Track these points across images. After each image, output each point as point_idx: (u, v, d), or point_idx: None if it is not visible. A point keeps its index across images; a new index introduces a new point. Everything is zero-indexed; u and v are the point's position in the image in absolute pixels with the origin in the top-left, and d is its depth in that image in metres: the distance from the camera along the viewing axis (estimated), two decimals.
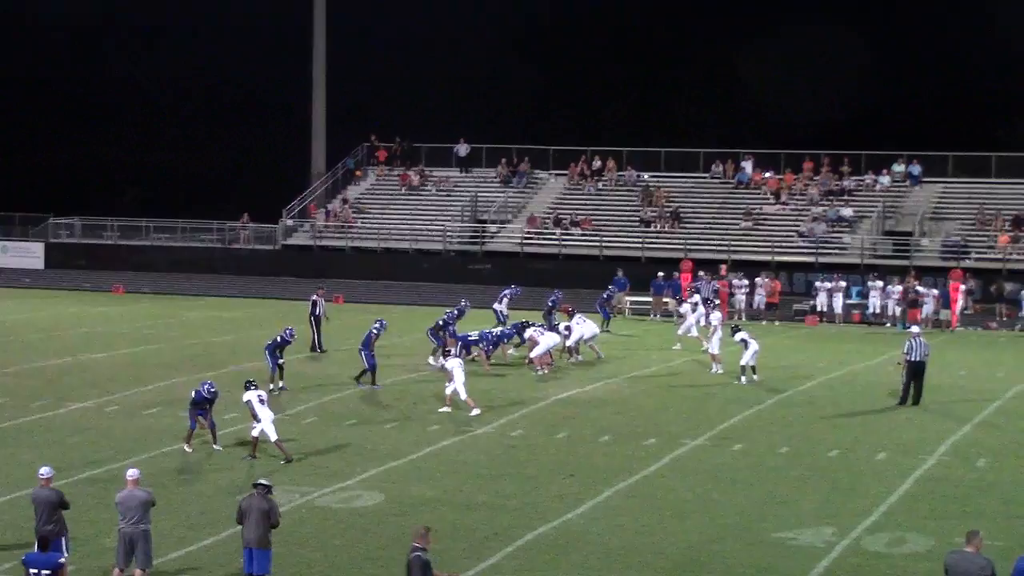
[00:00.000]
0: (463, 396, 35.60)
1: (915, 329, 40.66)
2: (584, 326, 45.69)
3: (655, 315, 59.52)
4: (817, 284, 60.79)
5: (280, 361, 38.66)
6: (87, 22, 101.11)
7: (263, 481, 21.16)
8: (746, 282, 60.33)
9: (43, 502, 21.03)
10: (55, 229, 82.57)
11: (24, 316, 56.56)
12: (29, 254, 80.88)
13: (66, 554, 20.74)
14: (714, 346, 43.75)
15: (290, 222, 79.48)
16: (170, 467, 29.02)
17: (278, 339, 38.90)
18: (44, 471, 21.47)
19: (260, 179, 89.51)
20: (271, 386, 37.59)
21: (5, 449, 30.68)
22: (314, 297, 47.72)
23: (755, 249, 69.51)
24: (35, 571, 18.38)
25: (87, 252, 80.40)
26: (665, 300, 59.56)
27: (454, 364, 36.23)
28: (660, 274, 60.58)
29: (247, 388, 30.55)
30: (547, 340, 43.48)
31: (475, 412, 35.12)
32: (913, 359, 38.11)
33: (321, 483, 27.78)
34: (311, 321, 47.04)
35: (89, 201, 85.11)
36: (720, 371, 43.22)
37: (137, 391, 37.98)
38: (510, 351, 45.91)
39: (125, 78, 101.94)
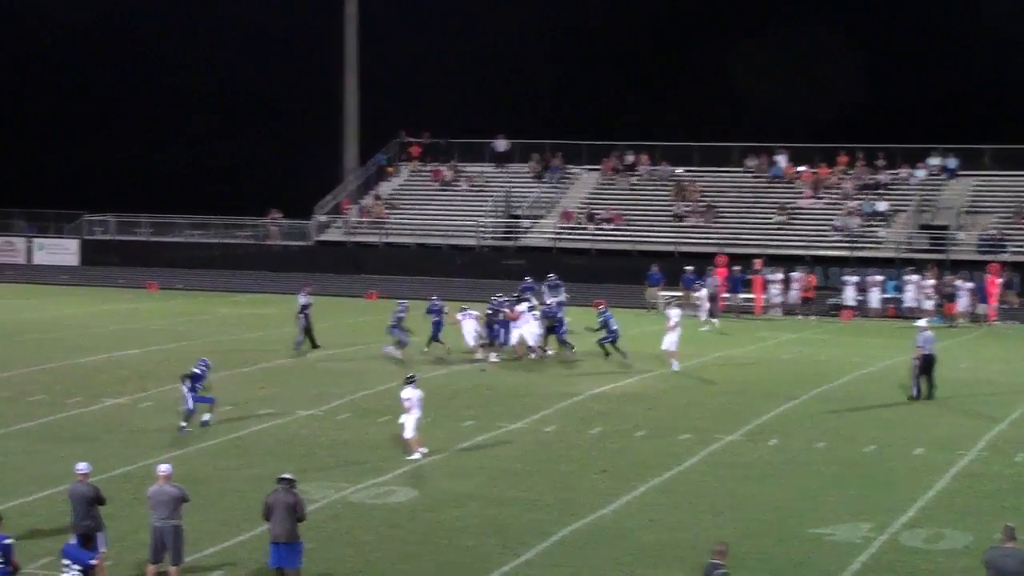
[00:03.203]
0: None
1: (922, 323, 40.42)
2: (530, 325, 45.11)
3: (687, 310, 59.23)
4: (844, 278, 60.56)
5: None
6: (121, 21, 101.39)
7: (287, 476, 21.14)
8: (780, 276, 60.12)
9: (80, 498, 21.07)
10: (89, 226, 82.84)
11: (59, 313, 56.76)
12: (64, 251, 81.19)
13: (103, 549, 20.81)
14: (668, 342, 42.93)
15: (323, 218, 79.54)
16: (204, 463, 29.05)
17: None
18: (80, 467, 21.51)
19: (293, 175, 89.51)
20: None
21: (41, 445, 30.78)
22: (302, 299, 46.64)
23: (789, 243, 69.24)
24: (67, 563, 18.42)
25: (121, 249, 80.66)
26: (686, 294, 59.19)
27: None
28: (689, 268, 60.35)
29: (408, 383, 30.19)
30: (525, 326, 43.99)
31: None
32: (924, 353, 38.01)
33: (354, 479, 27.76)
34: (299, 318, 46.51)
35: (123, 198, 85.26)
36: (677, 368, 42.67)
37: (171, 387, 37.92)
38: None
39: (158, 76, 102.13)
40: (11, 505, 24.70)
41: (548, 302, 51.97)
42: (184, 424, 32.65)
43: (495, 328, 44.62)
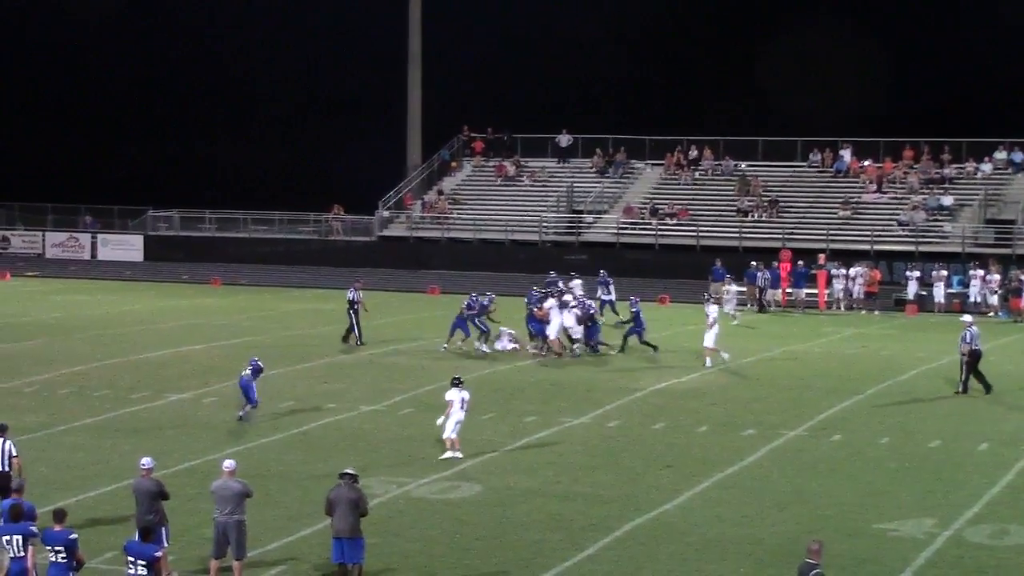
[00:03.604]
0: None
1: (967, 318, 40.06)
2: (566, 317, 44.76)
3: (751, 305, 59.01)
4: (907, 273, 60.12)
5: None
6: (187, 17, 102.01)
7: (349, 471, 21.14)
8: (844, 271, 59.78)
9: (144, 492, 21.16)
10: (154, 222, 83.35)
11: (124, 308, 57.13)
12: (129, 247, 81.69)
13: (166, 544, 20.90)
14: (708, 339, 42.77)
15: (386, 213, 79.67)
16: (268, 458, 29.15)
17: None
18: (145, 462, 21.60)
19: (356, 171, 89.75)
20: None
21: (106, 440, 30.98)
22: (351, 294, 46.90)
23: (854, 238, 68.80)
24: (132, 559, 18.53)
25: (185, 245, 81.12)
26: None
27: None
28: (754, 263, 60.04)
29: (453, 385, 29.87)
30: (557, 321, 43.70)
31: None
32: (972, 348, 37.74)
33: (418, 474, 27.79)
34: (349, 313, 46.68)
35: (187, 194, 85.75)
36: (710, 366, 42.34)
37: (235, 383, 38.15)
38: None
39: (223, 72, 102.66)
40: (76, 500, 24.88)
41: (600, 297, 51.97)
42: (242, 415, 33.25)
43: (530, 326, 44.65)
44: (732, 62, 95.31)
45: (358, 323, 46.31)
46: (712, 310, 43.24)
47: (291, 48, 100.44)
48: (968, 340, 37.79)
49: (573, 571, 21.82)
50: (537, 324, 44.45)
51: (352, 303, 46.42)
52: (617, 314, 51.13)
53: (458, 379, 30.25)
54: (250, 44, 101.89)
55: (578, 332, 44.33)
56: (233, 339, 47.50)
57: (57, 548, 18.63)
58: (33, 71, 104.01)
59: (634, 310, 45.02)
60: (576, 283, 50.82)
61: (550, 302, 44.28)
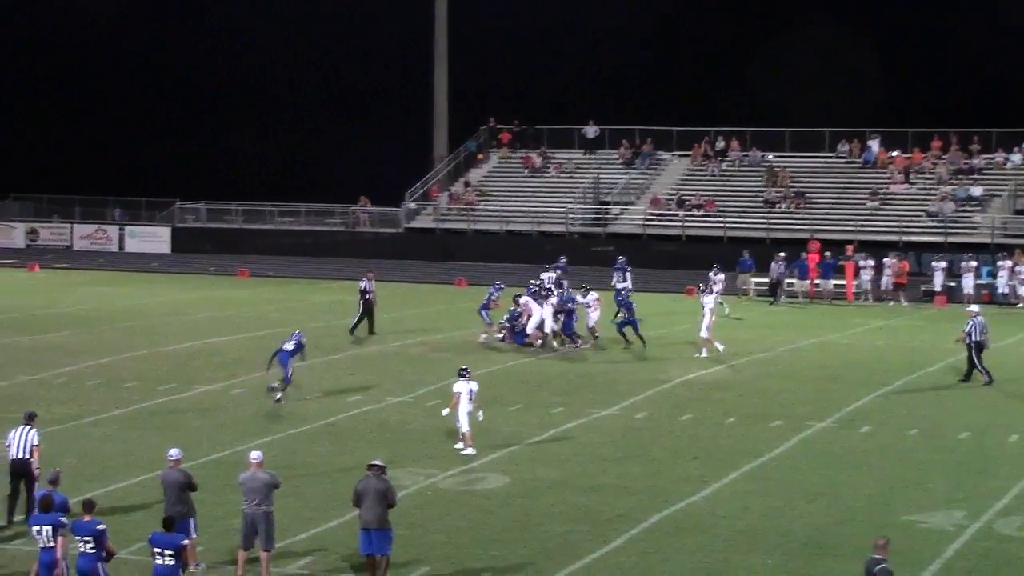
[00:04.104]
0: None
1: (974, 308, 39.87)
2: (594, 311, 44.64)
3: (779, 296, 58.79)
4: (934, 264, 59.86)
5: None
6: (212, 10, 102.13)
7: (377, 462, 21.13)
8: (872, 262, 59.56)
9: (172, 484, 21.21)
10: (181, 214, 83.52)
11: (151, 300, 57.24)
12: (156, 239, 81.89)
13: (194, 535, 20.94)
14: (704, 329, 42.54)
15: (413, 205, 79.71)
16: (295, 449, 29.18)
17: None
18: (173, 453, 21.64)
19: (383, 162, 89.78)
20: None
21: (134, 431, 31.05)
22: (363, 284, 46.87)
23: (882, 229, 68.58)
24: (159, 550, 18.58)
25: (212, 236, 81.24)
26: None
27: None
28: (781, 254, 59.77)
29: (460, 376, 29.70)
30: (538, 314, 43.33)
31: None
32: (974, 339, 37.60)
33: (445, 465, 27.80)
34: (360, 305, 46.60)
35: (214, 186, 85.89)
36: (705, 355, 42.15)
37: (262, 374, 38.16)
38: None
39: (247, 63, 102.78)
40: (104, 491, 24.93)
41: (615, 285, 51.74)
42: (278, 392, 34.05)
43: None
44: (759, 52, 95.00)
45: (371, 314, 46.32)
46: (708, 300, 43.04)
47: (318, 40, 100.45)
48: (967, 331, 37.75)
49: (600, 563, 21.79)
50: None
51: (364, 292, 46.41)
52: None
53: (465, 370, 30.05)
54: (277, 36, 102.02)
55: (551, 323, 43.72)
56: (260, 331, 47.51)
57: (86, 538, 18.72)
58: (61, 64, 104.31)
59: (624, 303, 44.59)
60: (546, 275, 49.83)
61: (525, 297, 43.98)
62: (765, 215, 71.94)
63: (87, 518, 19.00)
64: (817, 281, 59.53)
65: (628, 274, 53.69)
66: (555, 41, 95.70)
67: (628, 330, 44.08)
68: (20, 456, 23.70)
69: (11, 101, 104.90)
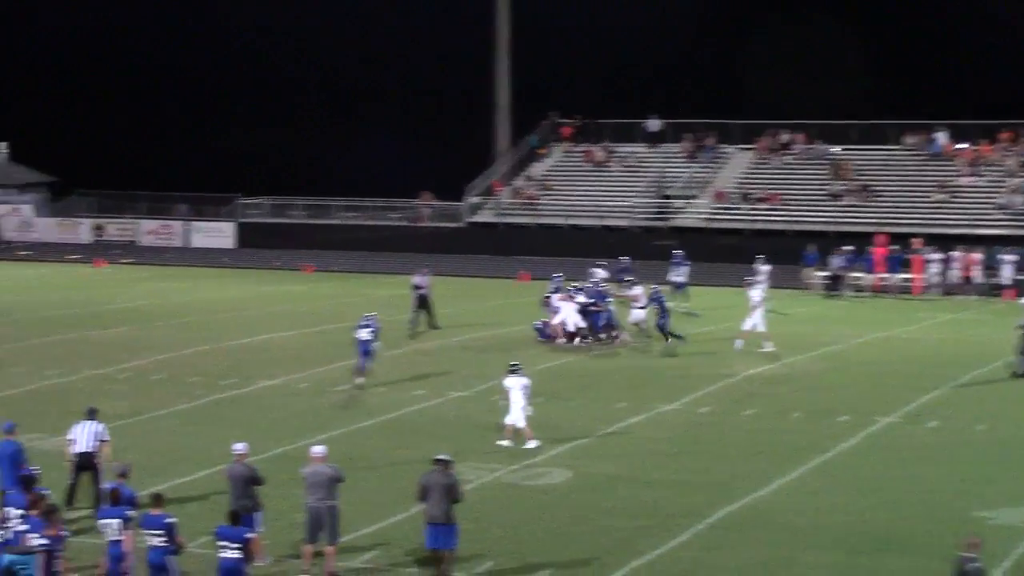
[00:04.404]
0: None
1: None
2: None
3: (844, 290, 58.36)
4: (1000, 257, 59.24)
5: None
6: (279, 6, 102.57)
7: (443, 456, 21.08)
8: (939, 256, 59.04)
9: (237, 478, 21.27)
10: (245, 209, 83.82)
11: (216, 295, 57.48)
12: (221, 234, 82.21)
13: (260, 529, 20.97)
14: (747, 323, 42.15)
15: (475, 199, 79.68)
16: (359, 444, 29.20)
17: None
18: (238, 447, 21.70)
19: (445, 157, 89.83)
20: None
21: (198, 426, 31.17)
22: (416, 279, 46.94)
23: (949, 222, 67.96)
24: (225, 544, 18.63)
25: (276, 231, 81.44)
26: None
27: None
28: (843, 248, 59.30)
29: (511, 372, 29.80)
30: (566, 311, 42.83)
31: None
32: None
33: (508, 460, 27.75)
34: (417, 302, 46.50)
35: (278, 181, 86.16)
36: (770, 348, 41.71)
37: (326, 368, 38.34)
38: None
39: (311, 58, 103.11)
40: (170, 485, 24.99)
41: (671, 279, 51.49)
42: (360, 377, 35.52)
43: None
44: (824, 44, 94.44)
45: (429, 308, 46.30)
46: (755, 294, 42.70)
47: (382, 35, 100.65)
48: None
49: (663, 558, 21.68)
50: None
51: (417, 287, 46.42)
52: (687, 300, 50.72)
53: (515, 366, 30.08)
54: (342, 31, 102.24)
55: (575, 322, 43.12)
56: (323, 325, 47.63)
57: (156, 532, 18.87)
58: (127, 60, 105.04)
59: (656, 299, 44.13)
60: (600, 272, 49.64)
61: (554, 297, 43.59)
62: (830, 208, 71.46)
63: (156, 511, 19.13)
64: (883, 275, 59.09)
65: (684, 268, 53.27)
66: (617, 34, 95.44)
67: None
68: (85, 450, 23.96)
69: (78, 98, 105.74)
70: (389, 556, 21.69)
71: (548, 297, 44.45)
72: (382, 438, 29.97)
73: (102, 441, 24.12)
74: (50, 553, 18.27)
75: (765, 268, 52.51)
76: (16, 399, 33.54)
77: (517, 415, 29.16)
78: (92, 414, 24.51)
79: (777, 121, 78.77)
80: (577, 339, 42.93)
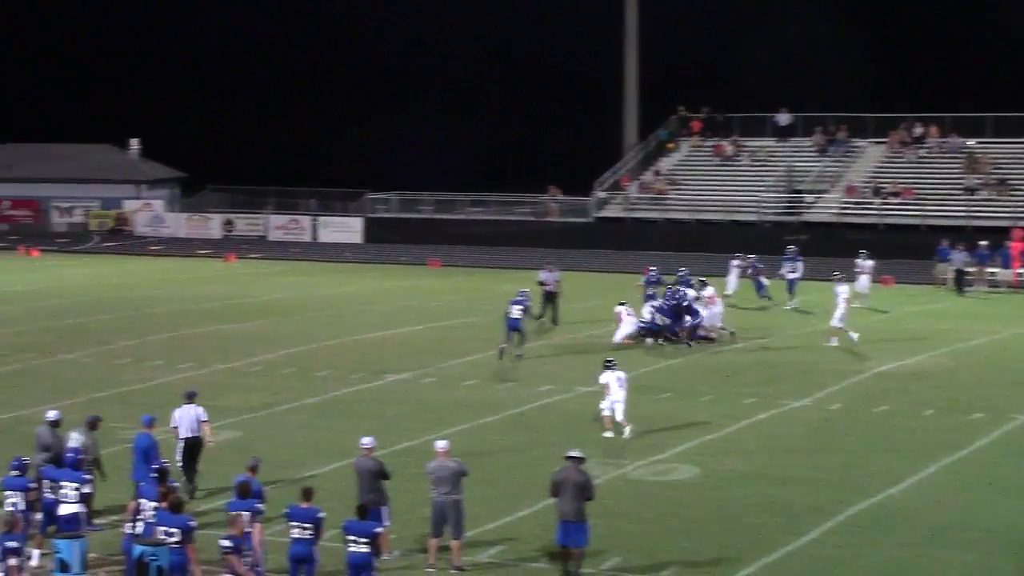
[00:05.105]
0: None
1: None
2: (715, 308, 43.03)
3: (979, 286, 57.38)
4: None
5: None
6: (400, 1, 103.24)
7: (576, 453, 20.96)
8: None
9: (365, 471, 21.34)
10: (373, 204, 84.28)
11: (344, 290, 57.85)
12: (349, 229, 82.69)
13: (387, 523, 21.02)
14: (835, 318, 41.48)
15: (603, 194, 79.48)
16: (486, 438, 29.20)
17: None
18: (366, 441, 21.77)
19: (573, 152, 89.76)
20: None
21: (327, 420, 31.35)
22: (542, 275, 46.84)
23: None
24: (353, 538, 18.70)
25: (403, 226, 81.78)
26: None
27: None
28: (983, 243, 58.35)
29: (606, 368, 30.04)
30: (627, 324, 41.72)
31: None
32: None
33: (636, 456, 27.62)
34: (544, 298, 46.30)
35: (405, 176, 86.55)
36: (835, 344, 41.16)
37: (453, 363, 38.42)
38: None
39: (438, 53, 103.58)
40: (297, 478, 25.13)
41: (784, 275, 50.86)
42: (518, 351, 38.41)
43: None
44: (955, 34, 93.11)
45: (554, 304, 46.22)
46: (842, 289, 42.00)
47: (508, 29, 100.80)
48: None
49: (793, 556, 21.44)
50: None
51: (543, 283, 46.37)
52: (793, 295, 50.06)
53: (610, 361, 30.36)
54: (468, 25, 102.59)
55: (631, 328, 41.91)
56: (450, 320, 47.75)
57: (305, 524, 19.07)
58: (257, 57, 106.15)
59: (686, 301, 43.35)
60: (793, 262, 49.63)
61: (619, 307, 42.69)
62: (965, 203, 70.36)
63: (305, 505, 19.30)
64: (1021, 270, 58.01)
65: (799, 263, 52.44)
66: (747, 27, 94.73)
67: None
68: (189, 435, 24.80)
69: (209, 95, 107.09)
70: (515, 551, 21.64)
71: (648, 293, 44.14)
72: (509, 433, 29.96)
73: (202, 422, 24.89)
74: (238, 552, 18.54)
75: (868, 263, 51.78)
76: (148, 391, 34.00)
77: (617, 407, 29.41)
78: (191, 397, 25.21)
79: (910, 114, 77.69)
80: (649, 340, 42.20)
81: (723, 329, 42.83)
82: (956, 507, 23.99)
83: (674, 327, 41.93)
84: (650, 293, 44.04)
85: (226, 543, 18.50)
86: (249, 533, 19.14)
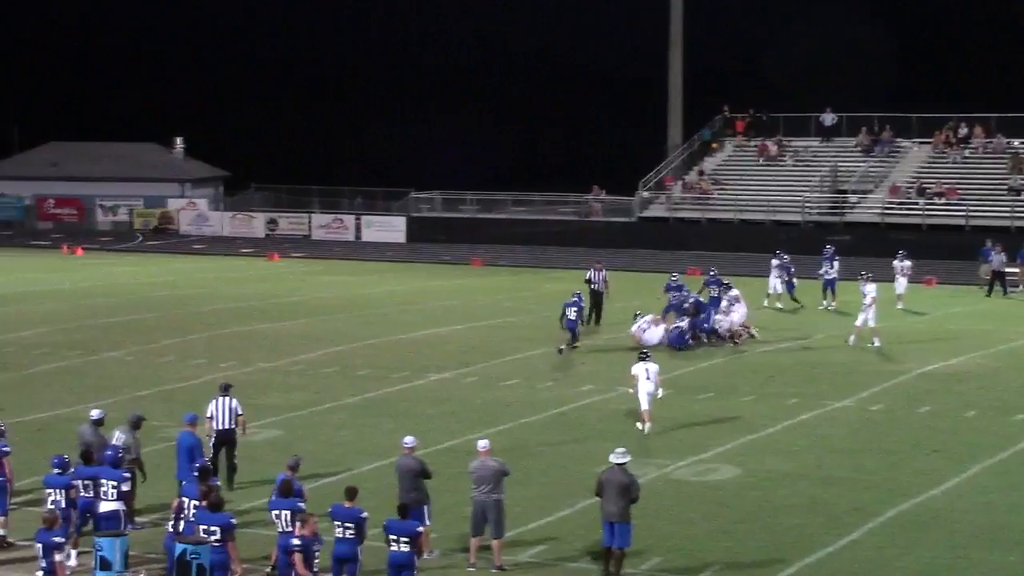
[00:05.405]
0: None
1: None
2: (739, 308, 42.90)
3: (1010, 287, 56.83)
4: None
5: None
6: (446, 1, 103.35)
7: (620, 459, 20.84)
8: None
9: (406, 471, 21.38)
10: (416, 203, 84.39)
11: (387, 289, 57.94)
12: (392, 228, 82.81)
13: (428, 522, 21.05)
14: (861, 319, 41.15)
15: (646, 194, 79.38)
16: (527, 438, 29.22)
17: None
18: (407, 440, 21.81)
19: (617, 152, 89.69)
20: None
21: (368, 419, 31.41)
22: (590, 273, 46.78)
23: None
24: (394, 538, 18.74)
25: (446, 226, 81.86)
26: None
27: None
28: (989, 241, 57.79)
29: (640, 359, 30.52)
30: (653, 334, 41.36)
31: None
32: None
33: (677, 456, 27.58)
34: (591, 297, 46.26)
35: (449, 175, 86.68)
36: (877, 343, 40.85)
37: (495, 362, 38.44)
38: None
39: (481, 53, 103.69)
40: (338, 477, 25.23)
41: (823, 274, 50.59)
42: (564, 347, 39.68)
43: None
44: (1001, 33, 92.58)
45: (599, 304, 46.17)
46: (870, 289, 41.67)
47: (555, 29, 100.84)
48: None
49: (835, 556, 21.38)
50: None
51: (590, 282, 46.34)
52: (834, 294, 49.74)
53: (645, 354, 31.11)
54: (512, 24, 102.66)
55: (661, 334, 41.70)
56: (493, 319, 47.78)
57: (347, 524, 19.16)
58: (300, 57, 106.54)
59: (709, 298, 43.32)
60: (831, 261, 49.52)
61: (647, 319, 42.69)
62: (1010, 203, 69.97)
63: (349, 504, 19.35)
64: None
65: (836, 263, 52.06)
66: (792, 26, 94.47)
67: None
68: (224, 427, 25.00)
69: (253, 94, 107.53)
70: (556, 551, 21.65)
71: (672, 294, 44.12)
72: (550, 432, 29.96)
73: (238, 415, 25.11)
74: (305, 552, 18.64)
75: (906, 264, 51.43)
76: (190, 390, 34.09)
77: (644, 399, 29.70)
78: (226, 390, 25.45)
79: (955, 114, 77.29)
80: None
81: (745, 328, 42.70)
82: (999, 508, 23.87)
83: (702, 324, 42.00)
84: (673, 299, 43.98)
85: (295, 542, 18.66)
86: (290, 532, 19.24)
